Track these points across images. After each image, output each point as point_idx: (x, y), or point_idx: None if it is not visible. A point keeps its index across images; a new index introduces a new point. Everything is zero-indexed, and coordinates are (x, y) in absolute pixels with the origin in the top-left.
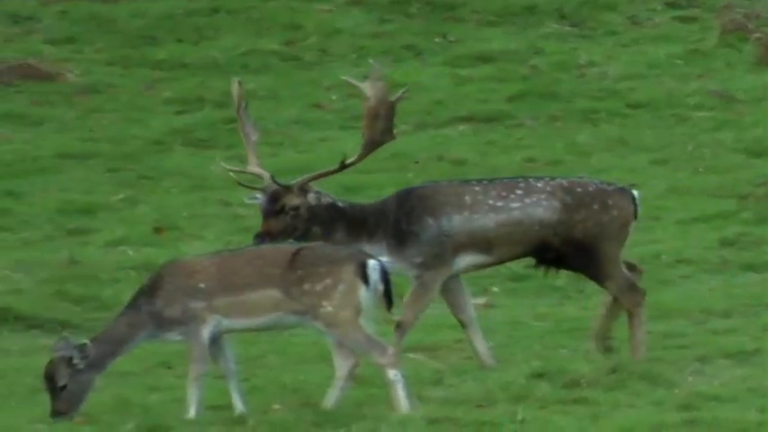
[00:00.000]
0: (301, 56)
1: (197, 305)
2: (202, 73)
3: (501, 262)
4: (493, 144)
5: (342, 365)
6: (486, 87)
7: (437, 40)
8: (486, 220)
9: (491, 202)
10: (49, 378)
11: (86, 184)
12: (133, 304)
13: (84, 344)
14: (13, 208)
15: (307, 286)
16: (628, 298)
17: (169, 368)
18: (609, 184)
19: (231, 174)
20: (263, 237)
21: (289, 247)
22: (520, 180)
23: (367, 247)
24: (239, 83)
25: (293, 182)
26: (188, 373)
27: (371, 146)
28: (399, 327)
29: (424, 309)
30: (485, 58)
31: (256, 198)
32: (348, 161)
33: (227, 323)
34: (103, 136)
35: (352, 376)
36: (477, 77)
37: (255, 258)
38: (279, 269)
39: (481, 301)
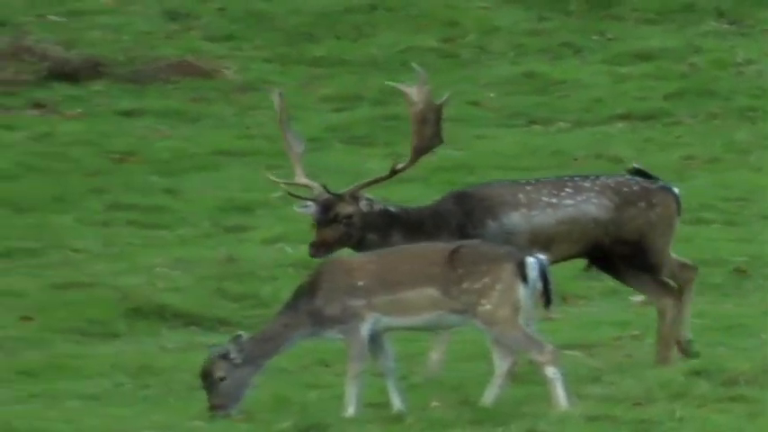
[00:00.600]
0: (459, 53)
1: (356, 303)
2: (360, 70)
3: (555, 262)
4: (651, 142)
5: (501, 363)
6: (645, 85)
7: (595, 37)
8: (545, 217)
9: (545, 199)
10: (207, 373)
11: (244, 182)
12: (292, 303)
13: (239, 335)
14: (170, 205)
15: (465, 285)
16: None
17: (327, 366)
18: (653, 181)
19: (281, 186)
20: (319, 246)
21: (447, 245)
22: (566, 179)
23: None
24: (280, 94)
25: (344, 190)
26: (346, 371)
27: (421, 151)
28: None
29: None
30: (643, 56)
31: (307, 207)
32: (398, 167)
33: (385, 321)
34: (260, 133)
35: (512, 374)
36: (636, 75)
37: (413, 256)
38: (437, 267)
39: (638, 299)
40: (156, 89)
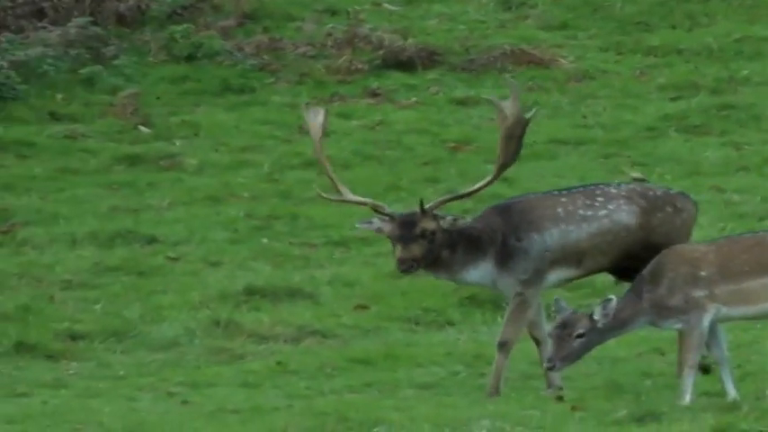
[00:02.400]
0: None
1: (699, 294)
2: (696, 59)
3: (588, 274)
4: None
5: None
6: None
7: None
8: (580, 232)
9: (581, 212)
10: (569, 324)
11: (580, 171)
12: (634, 291)
13: (610, 299)
14: (507, 194)
15: None
16: None
17: (662, 354)
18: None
19: (330, 200)
20: (409, 263)
21: None
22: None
23: (481, 265)
24: (326, 111)
25: (427, 206)
26: (683, 361)
27: (505, 167)
28: (504, 346)
29: (525, 326)
30: None
31: (371, 224)
32: (477, 186)
33: (725, 311)
34: (596, 122)
35: None
36: None
37: (754, 246)
38: None
39: None
40: (491, 78)
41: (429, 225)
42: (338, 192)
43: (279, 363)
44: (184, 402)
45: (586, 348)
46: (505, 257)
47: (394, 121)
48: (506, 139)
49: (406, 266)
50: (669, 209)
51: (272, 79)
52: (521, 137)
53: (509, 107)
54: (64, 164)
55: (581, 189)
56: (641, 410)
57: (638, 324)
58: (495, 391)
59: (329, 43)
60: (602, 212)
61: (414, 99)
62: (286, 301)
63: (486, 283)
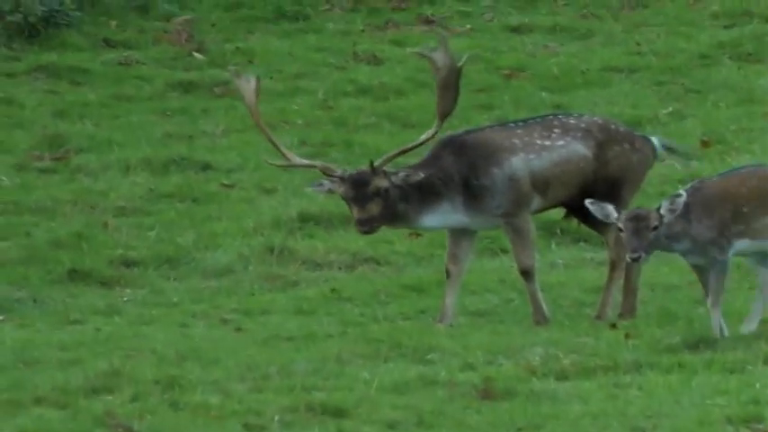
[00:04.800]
0: None
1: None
2: None
3: (551, 207)
4: None
5: None
6: None
7: None
8: (542, 161)
9: (539, 142)
10: (640, 218)
11: (633, 98)
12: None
13: (680, 194)
14: None
15: None
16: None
17: None
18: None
19: (279, 166)
20: (367, 223)
21: None
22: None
23: (439, 210)
24: (258, 78)
25: (376, 163)
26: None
27: (445, 116)
28: (526, 274)
29: (534, 246)
30: None
31: (321, 185)
32: (423, 138)
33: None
34: (650, 50)
35: None
36: None
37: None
38: None
39: None
40: (546, 5)
41: (381, 183)
42: (285, 157)
43: (333, 290)
44: (238, 329)
45: (657, 243)
46: (470, 199)
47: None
48: (442, 89)
49: (367, 227)
50: (627, 145)
51: (326, 6)
52: (456, 85)
53: (440, 58)
54: (118, 91)
55: (538, 120)
56: (694, 337)
57: (677, 246)
58: (543, 317)
59: None
60: (560, 143)
61: (468, 26)
62: (340, 228)
63: (451, 224)
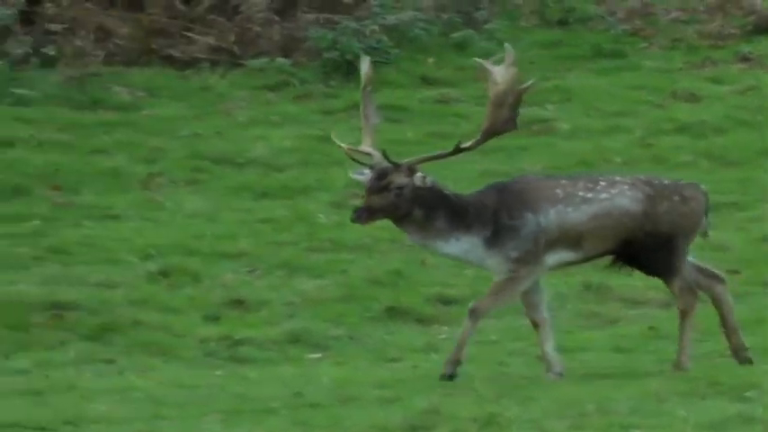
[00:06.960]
0: None
1: None
2: None
3: (588, 259)
4: None
5: None
6: None
7: None
8: (579, 214)
9: (581, 194)
10: None
11: None
12: None
13: None
14: None
15: None
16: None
17: None
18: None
19: (342, 148)
20: (363, 213)
21: None
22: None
23: (464, 239)
24: (371, 62)
25: (403, 161)
26: None
27: (491, 134)
28: (474, 312)
29: (507, 302)
30: None
31: (363, 174)
32: (463, 145)
33: None
34: None
35: None
36: None
37: None
38: None
39: None
40: None
41: (399, 179)
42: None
43: (651, 327)
44: None
45: None
46: (495, 235)
47: (765, 85)
48: (495, 105)
49: (357, 215)
50: (676, 198)
51: (644, 44)
52: (512, 106)
53: (501, 73)
54: (436, 128)
55: (584, 175)
56: None
57: None
58: (452, 362)
59: (701, 8)
60: (603, 195)
61: None
62: None
63: (468, 259)
